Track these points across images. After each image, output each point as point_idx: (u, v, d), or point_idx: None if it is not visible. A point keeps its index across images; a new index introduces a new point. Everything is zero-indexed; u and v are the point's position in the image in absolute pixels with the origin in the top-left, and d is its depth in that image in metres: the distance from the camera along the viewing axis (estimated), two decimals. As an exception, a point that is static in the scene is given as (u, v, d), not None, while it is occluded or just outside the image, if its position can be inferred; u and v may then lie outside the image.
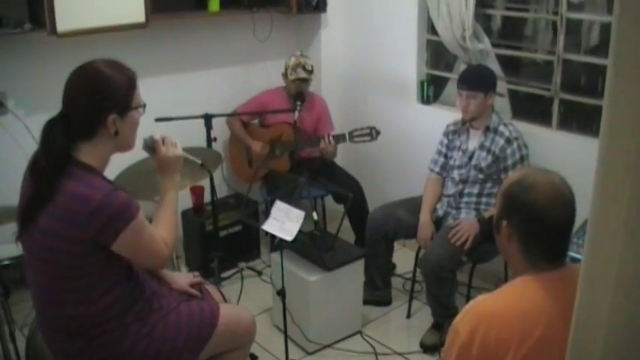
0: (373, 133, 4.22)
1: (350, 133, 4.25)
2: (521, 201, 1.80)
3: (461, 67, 4.26)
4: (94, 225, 2.06)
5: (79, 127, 2.16)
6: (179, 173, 2.47)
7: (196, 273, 2.84)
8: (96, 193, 2.07)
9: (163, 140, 2.44)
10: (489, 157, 3.65)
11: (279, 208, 3.07)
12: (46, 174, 2.11)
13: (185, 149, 2.54)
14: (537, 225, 1.79)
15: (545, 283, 1.77)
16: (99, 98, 2.15)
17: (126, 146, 2.29)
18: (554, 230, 1.79)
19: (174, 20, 4.40)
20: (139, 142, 2.39)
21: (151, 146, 2.44)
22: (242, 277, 4.40)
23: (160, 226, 2.35)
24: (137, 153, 2.67)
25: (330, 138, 4.29)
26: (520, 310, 1.75)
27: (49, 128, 2.17)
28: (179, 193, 2.50)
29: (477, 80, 3.65)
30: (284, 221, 3.02)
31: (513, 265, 1.90)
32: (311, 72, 4.47)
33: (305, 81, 4.46)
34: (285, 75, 4.52)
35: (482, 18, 4.19)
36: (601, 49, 3.76)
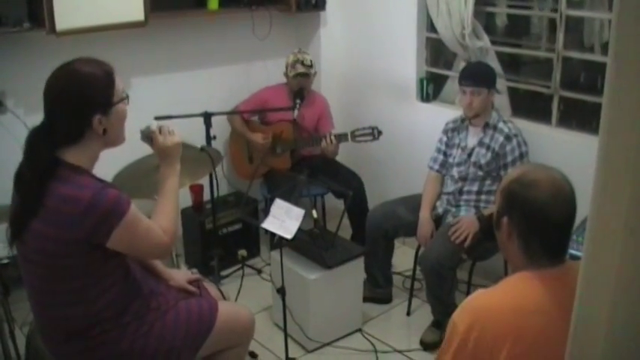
0: (375, 133, 4.22)
1: (352, 133, 4.25)
2: (522, 198, 1.80)
3: (460, 64, 4.25)
4: (85, 225, 2.05)
5: (65, 135, 2.13)
6: (179, 160, 2.45)
7: (194, 270, 2.84)
8: (85, 192, 2.06)
9: (160, 129, 2.42)
10: (489, 154, 3.65)
11: (279, 206, 3.07)
12: (30, 187, 2.10)
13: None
14: (538, 222, 1.78)
15: (544, 280, 1.77)
16: (79, 103, 2.12)
17: (116, 142, 2.26)
18: (555, 227, 1.79)
19: (174, 19, 4.40)
20: (130, 137, 2.36)
21: (148, 136, 2.43)
22: (243, 268, 4.38)
23: (159, 214, 2.34)
24: (136, 151, 2.68)
25: (332, 137, 4.29)
26: (517, 306, 1.75)
27: (32, 140, 2.15)
28: (179, 190, 2.48)
29: (481, 76, 3.64)
30: (284, 219, 3.02)
31: (513, 262, 1.90)
32: (310, 66, 4.47)
33: (305, 76, 4.46)
34: (286, 73, 4.52)
35: (482, 15, 4.19)
36: (603, 46, 3.76)
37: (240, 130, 4.63)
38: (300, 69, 4.43)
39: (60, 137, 2.14)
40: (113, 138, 2.23)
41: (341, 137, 4.30)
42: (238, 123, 4.64)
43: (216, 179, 3.56)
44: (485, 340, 1.72)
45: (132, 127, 2.32)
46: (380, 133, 4.23)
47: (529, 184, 1.80)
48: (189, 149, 2.67)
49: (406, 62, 4.63)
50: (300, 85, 4.45)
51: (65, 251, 2.09)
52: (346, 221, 4.31)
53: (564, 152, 3.65)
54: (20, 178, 2.16)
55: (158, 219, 2.32)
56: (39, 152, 2.12)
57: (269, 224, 3.04)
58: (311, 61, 4.48)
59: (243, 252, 4.53)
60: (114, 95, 2.19)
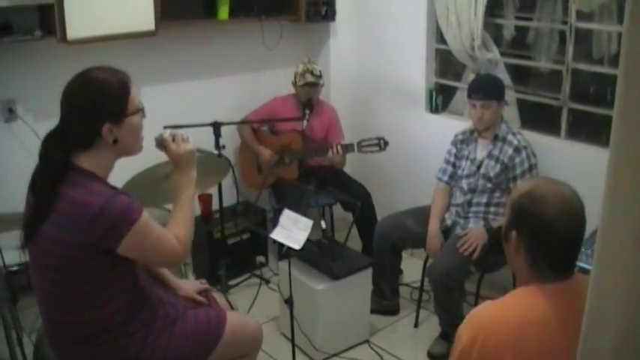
0: (381, 144, 4.22)
1: (358, 143, 4.25)
2: (531, 213, 1.79)
3: (469, 76, 4.25)
4: (96, 230, 2.06)
5: (76, 140, 2.15)
6: (194, 168, 2.43)
7: (203, 280, 2.84)
8: (96, 198, 2.07)
9: (174, 137, 2.41)
10: (498, 167, 3.64)
11: (288, 216, 3.06)
12: (44, 190, 2.11)
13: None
14: (546, 238, 1.78)
15: (548, 294, 1.77)
16: (90, 108, 2.13)
17: (129, 152, 2.26)
18: (563, 244, 1.79)
19: (184, 28, 4.41)
20: (147, 145, 2.37)
21: (161, 144, 2.42)
22: (260, 278, 4.37)
23: (174, 223, 2.33)
24: (146, 160, 2.68)
25: (339, 147, 4.29)
26: (520, 319, 1.75)
27: (47, 143, 2.17)
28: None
29: (491, 89, 3.64)
30: (292, 229, 3.01)
31: (520, 275, 1.90)
32: (319, 77, 4.48)
33: (314, 85, 4.47)
34: (294, 83, 4.54)
35: (491, 27, 4.19)
36: (612, 58, 3.75)
37: (249, 141, 4.65)
38: (310, 78, 4.44)
39: (72, 142, 2.15)
40: (125, 148, 2.23)
41: (347, 148, 4.30)
42: (247, 134, 4.66)
43: (221, 189, 3.55)
44: (488, 352, 1.72)
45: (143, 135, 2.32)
46: (386, 143, 4.23)
47: (538, 200, 1.79)
48: (203, 154, 2.65)
49: (415, 73, 4.64)
50: (308, 94, 4.46)
51: (75, 255, 2.09)
52: (355, 232, 4.30)
53: (573, 164, 3.64)
54: (35, 180, 2.18)
55: (173, 228, 2.31)
56: (52, 155, 2.14)
57: (277, 234, 3.03)
58: (320, 71, 4.50)
59: (260, 258, 4.50)
60: (127, 106, 2.19)
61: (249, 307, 4.11)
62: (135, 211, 2.12)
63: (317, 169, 4.59)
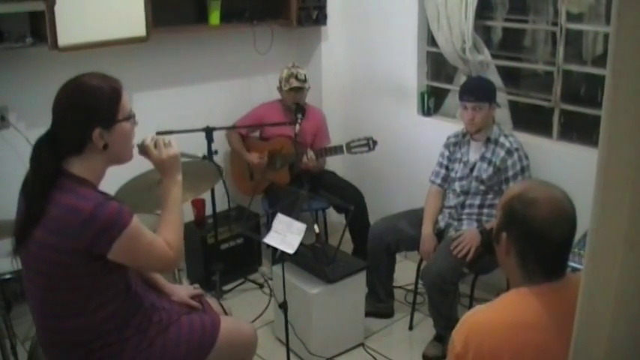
0: (370, 144, 4.21)
1: (347, 145, 4.25)
2: (521, 216, 1.79)
3: (461, 78, 4.26)
4: (87, 235, 2.06)
5: (67, 144, 2.15)
6: (179, 172, 2.42)
7: (196, 285, 2.83)
8: (87, 203, 2.07)
9: (155, 143, 2.40)
10: (490, 169, 3.65)
11: (281, 220, 3.07)
12: (35, 195, 2.11)
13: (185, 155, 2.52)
14: (536, 241, 1.78)
15: (541, 296, 1.77)
16: (81, 113, 2.13)
17: (119, 159, 2.26)
18: (553, 247, 1.79)
19: (175, 34, 4.41)
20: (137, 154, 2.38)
21: (144, 150, 2.40)
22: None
23: (164, 228, 2.33)
24: (138, 166, 2.68)
25: (312, 154, 4.30)
26: (514, 322, 1.75)
27: (37, 148, 2.17)
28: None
29: (482, 91, 3.65)
30: (285, 234, 3.02)
31: (511, 277, 1.90)
32: (304, 81, 4.49)
33: (299, 90, 4.48)
34: (280, 88, 4.54)
35: (482, 29, 4.20)
36: (602, 59, 3.76)
37: (237, 149, 4.64)
38: (295, 83, 4.45)
39: (63, 147, 2.15)
40: (116, 155, 2.23)
41: (336, 149, 4.30)
42: (235, 141, 4.64)
43: (214, 194, 3.55)
44: (483, 355, 1.72)
45: (133, 143, 2.32)
46: (375, 143, 4.22)
47: (529, 203, 1.79)
48: (191, 161, 2.65)
49: (407, 76, 4.64)
50: (294, 99, 4.46)
51: (66, 260, 2.09)
52: (347, 235, 4.30)
53: (565, 165, 3.66)
54: (26, 185, 2.18)
55: (162, 233, 2.31)
56: (43, 160, 2.14)
57: (271, 239, 3.04)
58: (305, 75, 4.50)
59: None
60: (118, 112, 2.19)
61: (243, 312, 4.10)
62: (125, 216, 2.12)
63: (308, 172, 4.58)
